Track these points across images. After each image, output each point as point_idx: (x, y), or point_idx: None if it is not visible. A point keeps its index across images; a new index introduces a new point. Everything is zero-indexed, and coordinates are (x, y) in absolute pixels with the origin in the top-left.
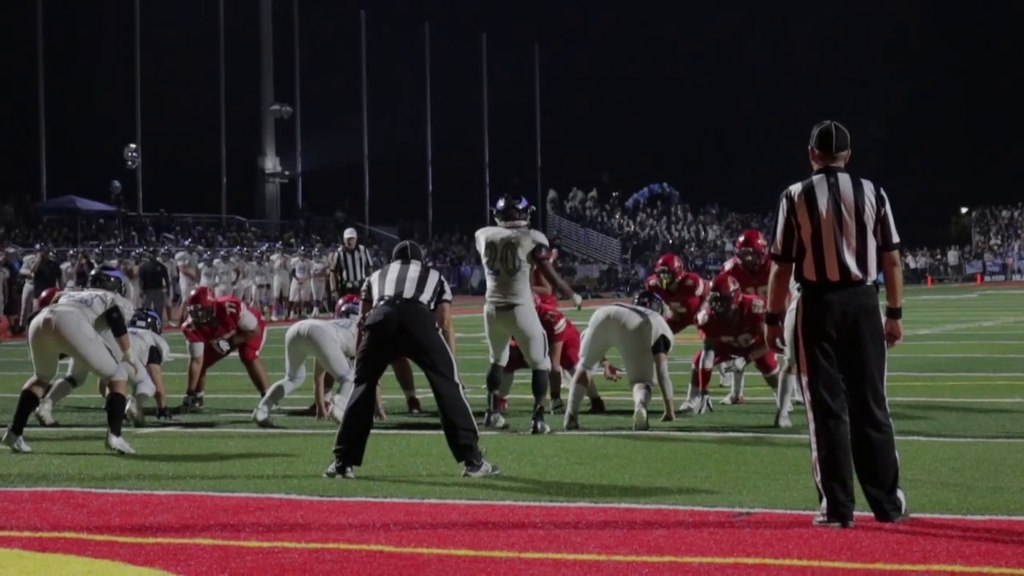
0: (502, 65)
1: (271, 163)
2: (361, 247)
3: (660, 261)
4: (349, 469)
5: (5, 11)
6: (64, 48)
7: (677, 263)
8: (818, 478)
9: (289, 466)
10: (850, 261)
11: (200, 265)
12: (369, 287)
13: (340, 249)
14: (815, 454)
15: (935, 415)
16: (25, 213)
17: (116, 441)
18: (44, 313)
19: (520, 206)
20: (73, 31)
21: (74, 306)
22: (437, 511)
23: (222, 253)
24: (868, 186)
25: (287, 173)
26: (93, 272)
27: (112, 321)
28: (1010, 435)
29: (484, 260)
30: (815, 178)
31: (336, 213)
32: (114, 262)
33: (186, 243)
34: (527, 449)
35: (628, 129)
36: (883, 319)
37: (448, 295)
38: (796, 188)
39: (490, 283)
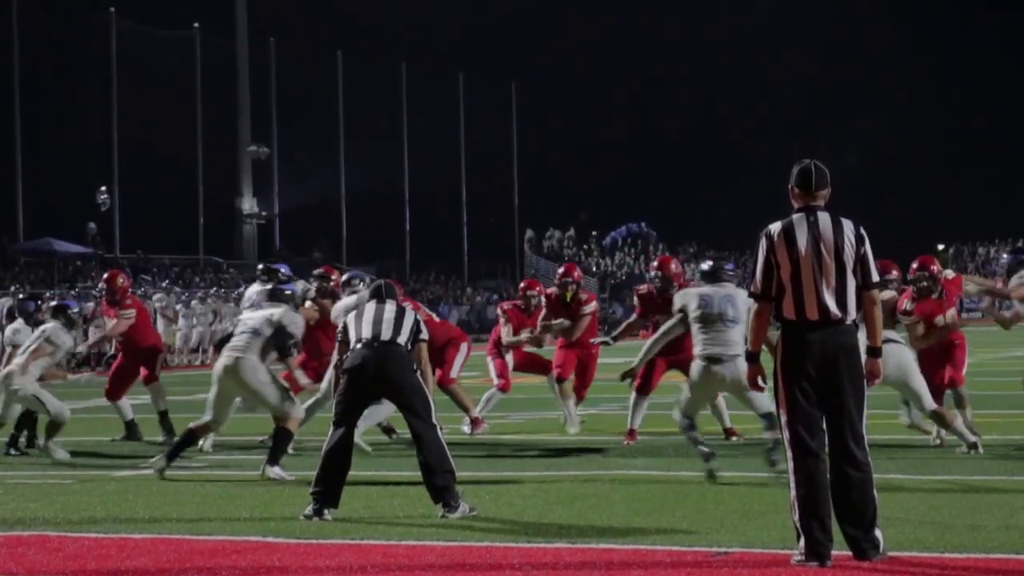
0: (479, 104)
1: (248, 204)
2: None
3: (562, 271)
4: (326, 511)
5: None
6: (40, 89)
7: (578, 272)
8: (796, 517)
9: (266, 509)
10: (829, 301)
11: (178, 307)
12: (345, 328)
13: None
14: (793, 492)
15: (913, 453)
16: (1, 255)
17: (273, 471)
18: (224, 358)
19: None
20: (49, 73)
21: (247, 343)
22: (414, 553)
23: (200, 294)
24: (848, 225)
25: (264, 214)
26: (269, 287)
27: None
28: (987, 473)
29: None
30: (795, 217)
31: (314, 253)
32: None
33: (163, 285)
34: (504, 490)
35: (606, 168)
36: (863, 358)
37: (424, 335)
38: (776, 227)
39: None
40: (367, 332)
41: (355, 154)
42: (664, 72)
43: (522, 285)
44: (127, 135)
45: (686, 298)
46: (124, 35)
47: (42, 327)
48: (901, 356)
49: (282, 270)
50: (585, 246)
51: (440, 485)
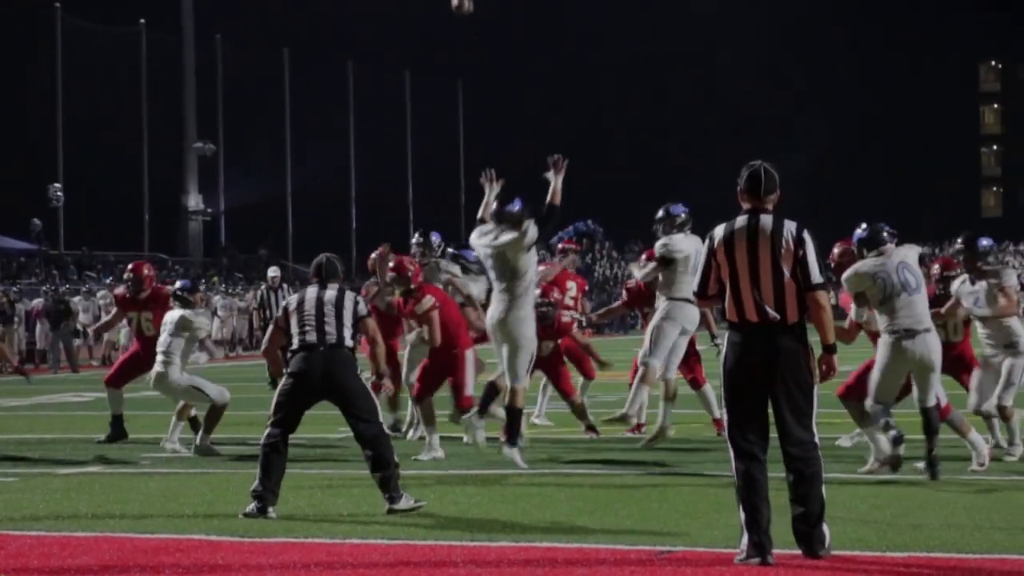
0: (426, 102)
1: (194, 200)
2: (284, 285)
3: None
4: (270, 509)
5: None
6: None
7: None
8: (740, 515)
9: (210, 506)
10: (767, 303)
11: None
12: (286, 314)
13: (264, 287)
14: (737, 492)
15: (854, 452)
16: None
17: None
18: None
19: None
20: None
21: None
22: (359, 551)
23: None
24: (789, 227)
25: (210, 211)
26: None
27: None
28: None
29: None
30: (738, 219)
31: (259, 251)
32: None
33: (108, 282)
34: (448, 488)
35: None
36: (813, 357)
37: (363, 309)
38: (719, 230)
39: None
40: (312, 335)
41: (302, 152)
42: (613, 71)
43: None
44: (72, 131)
45: (860, 282)
46: (70, 31)
47: (172, 317)
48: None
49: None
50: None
51: (384, 476)
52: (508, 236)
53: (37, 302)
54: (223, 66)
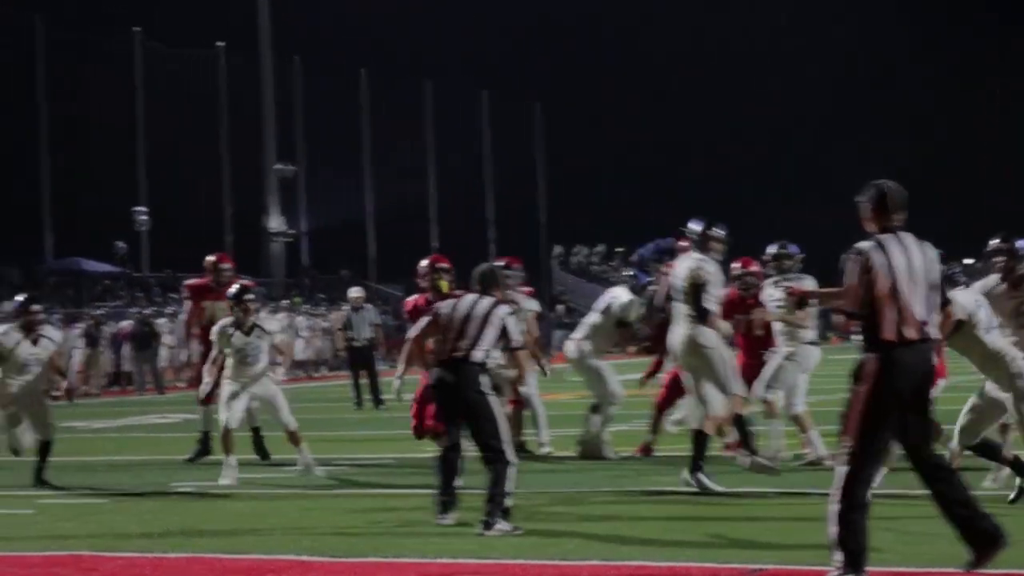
0: (504, 122)
1: (275, 222)
2: (367, 305)
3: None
4: (450, 515)
5: (8, 77)
6: (67, 110)
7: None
8: (834, 531)
9: (299, 527)
10: (926, 319)
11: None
12: (440, 316)
13: (347, 308)
14: (835, 507)
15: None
16: (30, 276)
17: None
18: None
19: None
20: (75, 94)
21: None
22: (448, 570)
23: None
24: (930, 246)
25: (292, 232)
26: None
27: None
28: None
29: None
30: (884, 236)
31: (341, 271)
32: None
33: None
34: (540, 506)
35: (633, 184)
36: None
37: (518, 339)
38: (873, 248)
39: None
40: (449, 347)
41: (381, 172)
42: (690, 89)
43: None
44: (153, 154)
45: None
46: (149, 55)
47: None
48: None
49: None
50: (611, 262)
51: (490, 495)
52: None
53: (125, 324)
54: (302, 88)
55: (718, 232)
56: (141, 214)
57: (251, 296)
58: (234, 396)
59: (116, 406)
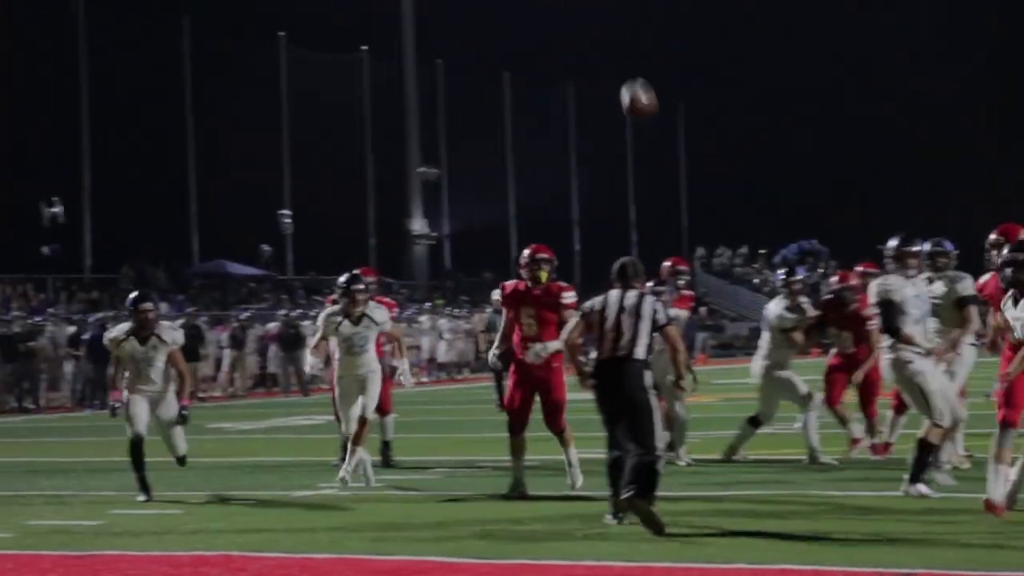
0: (647, 124)
1: (418, 224)
2: None
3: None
4: (622, 514)
5: (155, 80)
6: (212, 115)
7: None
8: None
9: (445, 529)
10: None
11: None
12: (591, 313)
13: (491, 310)
14: None
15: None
16: (176, 278)
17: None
18: None
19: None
20: (221, 98)
21: None
22: (594, 572)
23: None
24: None
25: (434, 234)
26: None
27: None
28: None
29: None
30: None
31: (484, 273)
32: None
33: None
34: (684, 505)
35: (776, 186)
36: None
37: (663, 316)
38: None
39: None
40: (607, 346)
41: (524, 174)
42: (835, 86)
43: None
44: (298, 158)
45: None
46: (293, 59)
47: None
48: None
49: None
50: (755, 264)
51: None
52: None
53: (271, 326)
54: (445, 91)
55: (914, 248)
56: (285, 217)
57: (360, 286)
58: (347, 402)
59: (262, 408)
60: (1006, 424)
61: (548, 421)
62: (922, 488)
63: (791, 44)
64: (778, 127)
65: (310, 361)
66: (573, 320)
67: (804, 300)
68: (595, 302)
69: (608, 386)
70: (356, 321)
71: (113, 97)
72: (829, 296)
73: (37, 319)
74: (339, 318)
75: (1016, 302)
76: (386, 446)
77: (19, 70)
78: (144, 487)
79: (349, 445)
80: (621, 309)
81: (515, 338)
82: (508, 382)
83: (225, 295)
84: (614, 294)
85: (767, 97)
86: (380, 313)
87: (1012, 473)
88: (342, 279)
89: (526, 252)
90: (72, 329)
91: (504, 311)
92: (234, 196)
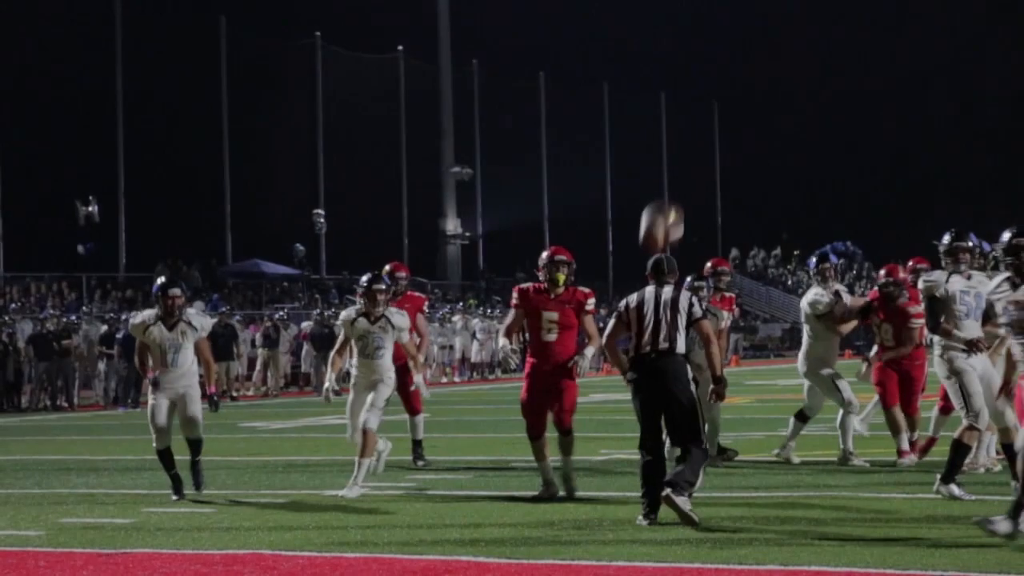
0: (681, 123)
1: (452, 225)
2: None
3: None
4: (654, 515)
5: (192, 79)
6: (248, 113)
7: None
8: None
9: (476, 529)
10: None
11: None
12: (628, 311)
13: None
14: None
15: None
16: (211, 277)
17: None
18: None
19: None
20: (256, 97)
21: None
22: (625, 572)
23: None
24: None
25: (468, 235)
26: None
27: None
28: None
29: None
30: None
31: (517, 274)
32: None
33: None
34: (715, 508)
35: (811, 186)
36: None
37: (699, 311)
38: None
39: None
40: (646, 341)
41: (558, 175)
42: (868, 88)
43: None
44: (332, 157)
45: None
46: (329, 59)
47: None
48: None
49: None
50: (789, 266)
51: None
52: None
53: (305, 325)
54: (479, 91)
55: (965, 244)
56: (319, 217)
57: (381, 286)
58: (357, 409)
59: (295, 407)
60: None
61: (557, 419)
62: (955, 489)
63: (832, 43)
64: (814, 128)
65: (328, 377)
66: (612, 321)
67: (840, 287)
68: (629, 300)
69: (649, 380)
70: (374, 321)
71: (149, 97)
72: (879, 286)
73: (72, 317)
74: (353, 314)
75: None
76: (417, 445)
77: (56, 69)
78: (177, 486)
79: (356, 458)
80: (660, 304)
81: (532, 341)
82: (523, 384)
83: (259, 294)
84: (650, 290)
85: (803, 98)
86: (400, 319)
87: None
88: (364, 278)
89: (544, 254)
90: (105, 328)
91: (515, 310)
92: (269, 195)
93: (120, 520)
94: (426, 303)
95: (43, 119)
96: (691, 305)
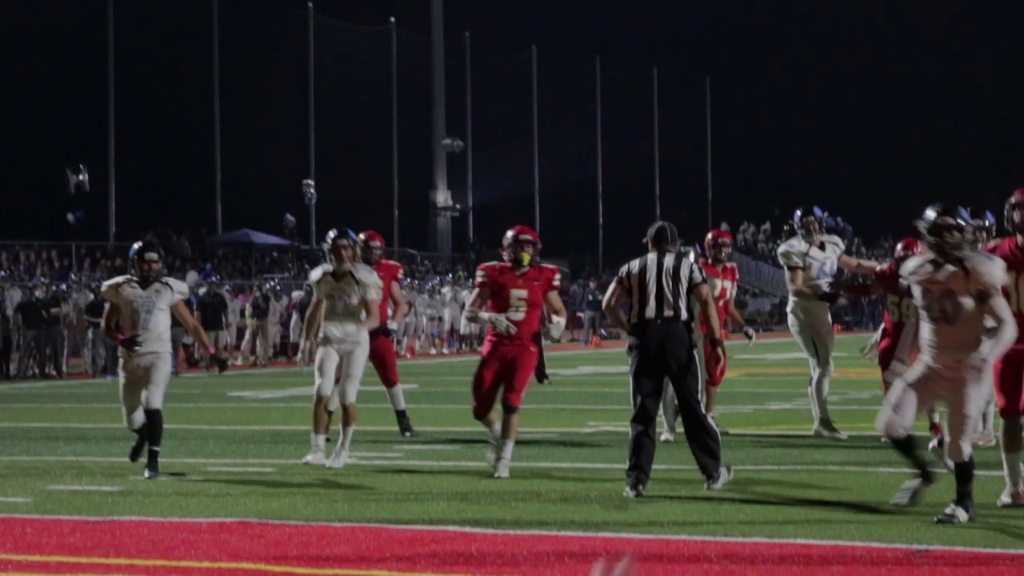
0: (673, 98)
1: (442, 197)
2: None
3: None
4: (641, 487)
5: (184, 50)
6: (239, 84)
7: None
8: None
9: (464, 498)
10: None
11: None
12: (629, 277)
13: None
14: None
15: None
16: (200, 247)
17: None
18: None
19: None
20: (248, 68)
21: None
22: (612, 544)
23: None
24: None
25: (458, 207)
26: None
27: None
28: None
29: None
30: None
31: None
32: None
33: None
34: (694, 484)
35: (800, 162)
36: None
37: (699, 276)
38: None
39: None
40: (649, 308)
41: (549, 148)
42: (858, 65)
43: None
44: (323, 129)
45: None
46: (321, 30)
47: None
48: None
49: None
50: (779, 240)
51: (704, 462)
52: None
53: (296, 295)
54: (471, 64)
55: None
56: (309, 187)
57: (346, 242)
58: (327, 361)
59: (283, 376)
60: None
61: (508, 395)
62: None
63: (824, 18)
64: (806, 104)
65: (303, 343)
66: (611, 287)
67: (826, 237)
68: (631, 266)
69: (654, 347)
70: (340, 277)
71: (141, 66)
72: (897, 260)
73: (61, 286)
74: (319, 273)
75: None
76: (401, 416)
77: (46, 39)
78: (137, 450)
79: (342, 427)
80: (663, 272)
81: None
82: (482, 362)
83: (248, 264)
84: (652, 257)
85: (795, 73)
86: (367, 275)
87: None
88: (329, 234)
89: (509, 233)
90: (93, 297)
91: (480, 289)
92: (259, 166)
93: (107, 488)
94: (400, 271)
95: (34, 88)
96: (692, 272)
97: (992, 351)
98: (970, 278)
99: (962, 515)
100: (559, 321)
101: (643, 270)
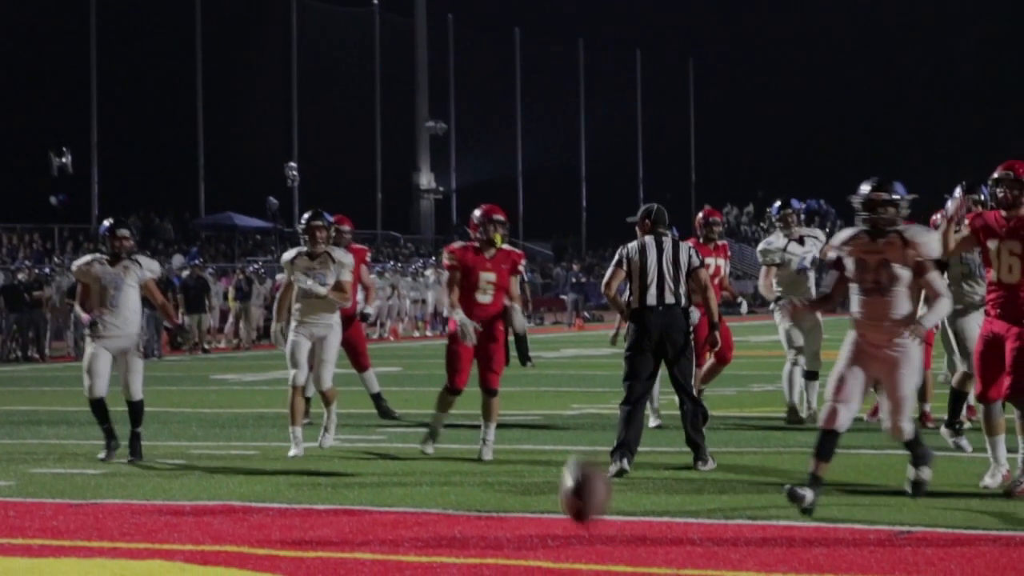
0: (656, 80)
1: (426, 179)
2: None
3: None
4: (626, 462)
5: (165, 32)
6: (222, 66)
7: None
8: None
9: (447, 481)
10: None
11: None
12: (628, 261)
13: None
14: None
15: None
16: (183, 230)
17: None
18: None
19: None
20: (231, 51)
21: None
22: (595, 526)
23: (377, 269)
24: None
25: (441, 189)
26: None
27: None
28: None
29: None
30: None
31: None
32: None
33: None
34: (686, 466)
35: (784, 145)
36: None
37: (696, 260)
38: None
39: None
40: (650, 295)
41: (532, 130)
42: (843, 48)
43: None
44: (306, 111)
45: None
46: (304, 12)
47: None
48: None
49: None
50: (762, 223)
51: (697, 442)
52: None
53: (279, 278)
54: (455, 46)
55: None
56: (292, 170)
57: (320, 223)
58: (298, 350)
59: (266, 359)
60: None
61: (487, 377)
62: (962, 441)
63: (808, 1)
64: (789, 87)
65: (275, 322)
66: (611, 270)
67: (806, 230)
68: (630, 249)
69: (653, 332)
70: (314, 258)
71: (123, 48)
72: None
73: (44, 269)
74: (292, 254)
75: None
76: (377, 398)
77: (29, 21)
78: (109, 442)
79: (324, 408)
80: (662, 257)
81: (462, 301)
82: (450, 342)
83: (231, 247)
84: (650, 240)
85: (778, 56)
86: (342, 255)
87: None
88: (304, 216)
89: (479, 212)
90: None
91: (451, 272)
92: (242, 148)
93: (90, 471)
94: (368, 254)
95: (16, 70)
96: (690, 256)
97: (927, 319)
98: (907, 247)
99: (926, 473)
100: (518, 308)
101: (643, 255)
